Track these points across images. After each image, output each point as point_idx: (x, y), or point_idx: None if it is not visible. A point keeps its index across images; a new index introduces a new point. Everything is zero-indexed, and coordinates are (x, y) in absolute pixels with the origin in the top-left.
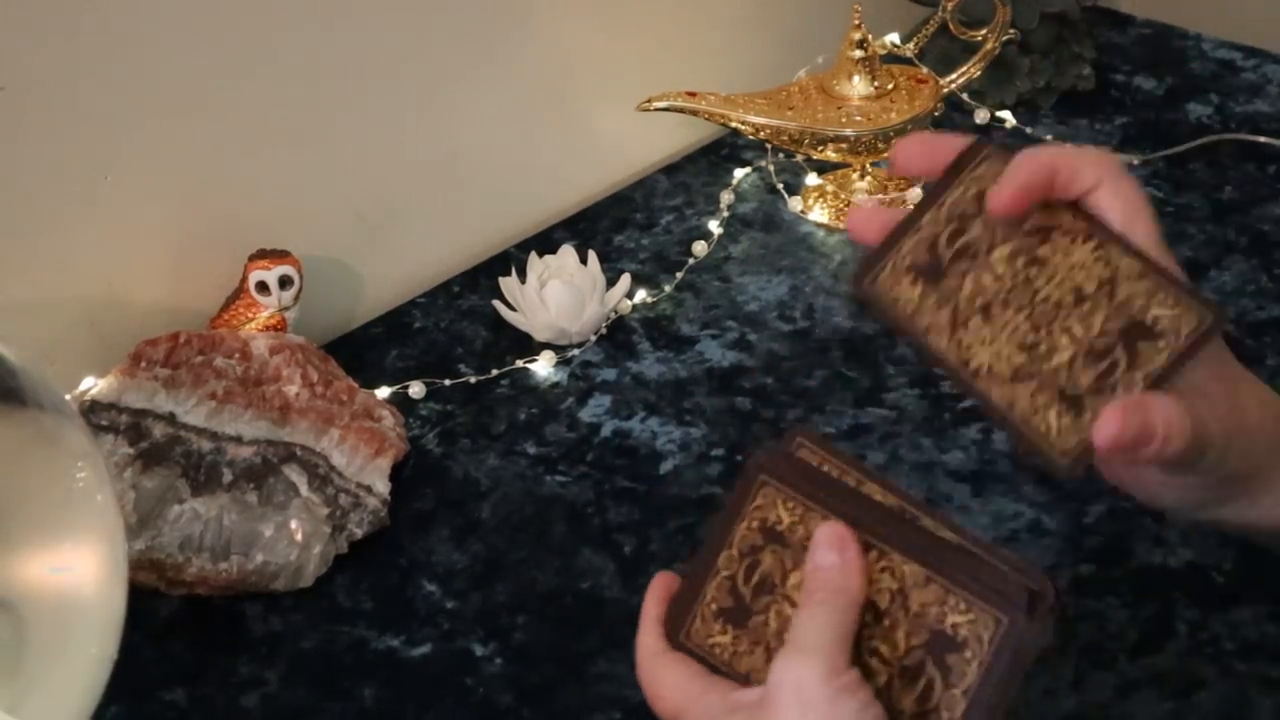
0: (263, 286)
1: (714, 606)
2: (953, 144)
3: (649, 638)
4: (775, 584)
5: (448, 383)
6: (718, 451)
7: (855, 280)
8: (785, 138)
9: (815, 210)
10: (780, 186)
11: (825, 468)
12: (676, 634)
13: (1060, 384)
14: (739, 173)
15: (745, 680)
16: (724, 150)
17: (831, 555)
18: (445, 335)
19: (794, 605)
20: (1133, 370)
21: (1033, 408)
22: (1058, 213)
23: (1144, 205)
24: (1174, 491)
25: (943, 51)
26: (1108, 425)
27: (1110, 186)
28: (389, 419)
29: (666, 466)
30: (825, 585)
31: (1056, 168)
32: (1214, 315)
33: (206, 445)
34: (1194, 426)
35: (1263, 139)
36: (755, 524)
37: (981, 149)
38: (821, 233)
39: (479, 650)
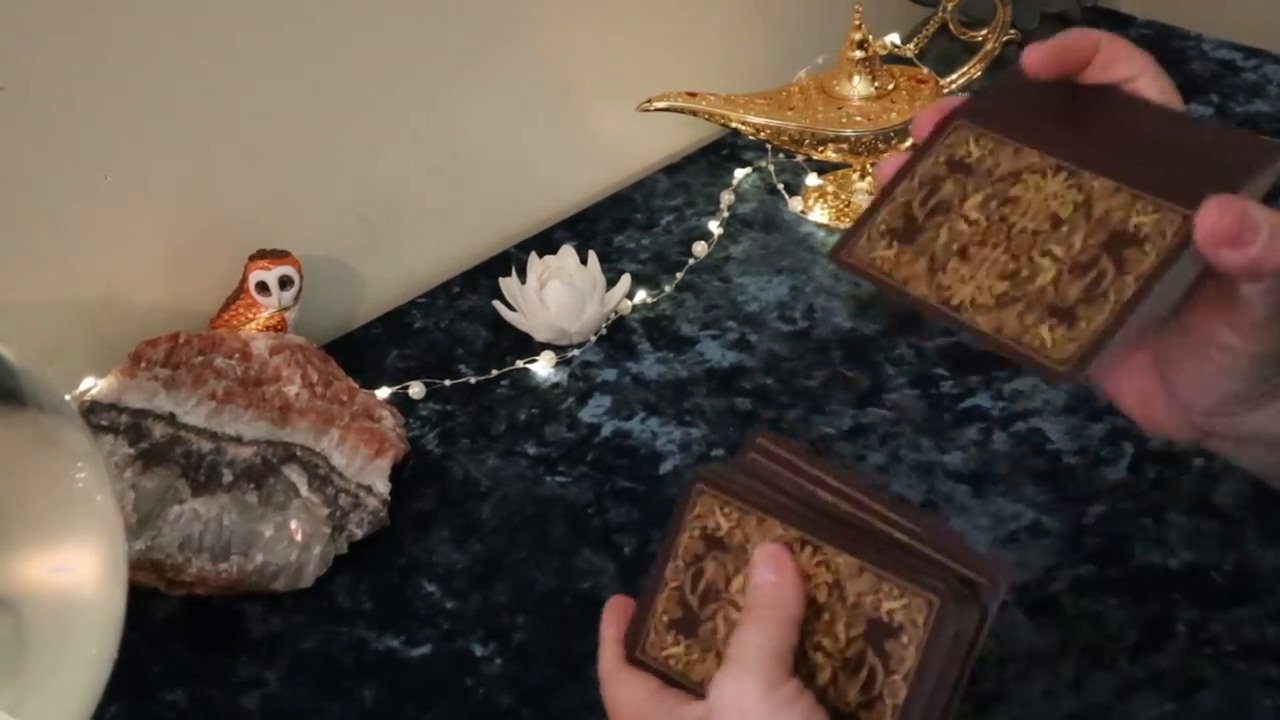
0: (263, 286)
1: (665, 618)
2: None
3: (606, 658)
4: (720, 590)
5: (448, 383)
6: (718, 452)
7: (833, 251)
8: (785, 138)
9: (815, 210)
10: (780, 187)
11: (785, 464)
12: (633, 649)
13: (1048, 300)
14: (739, 173)
15: (699, 688)
16: (724, 150)
17: (768, 574)
18: (445, 335)
19: (739, 609)
20: (1123, 275)
21: (1022, 326)
22: (1025, 154)
23: (1178, 101)
24: (1233, 368)
25: (943, 52)
26: (1205, 215)
27: (1150, 79)
28: (389, 419)
29: (666, 466)
30: (762, 601)
31: (1099, 46)
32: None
33: (206, 445)
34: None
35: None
36: (697, 533)
37: (953, 118)
38: (822, 233)
39: (479, 650)
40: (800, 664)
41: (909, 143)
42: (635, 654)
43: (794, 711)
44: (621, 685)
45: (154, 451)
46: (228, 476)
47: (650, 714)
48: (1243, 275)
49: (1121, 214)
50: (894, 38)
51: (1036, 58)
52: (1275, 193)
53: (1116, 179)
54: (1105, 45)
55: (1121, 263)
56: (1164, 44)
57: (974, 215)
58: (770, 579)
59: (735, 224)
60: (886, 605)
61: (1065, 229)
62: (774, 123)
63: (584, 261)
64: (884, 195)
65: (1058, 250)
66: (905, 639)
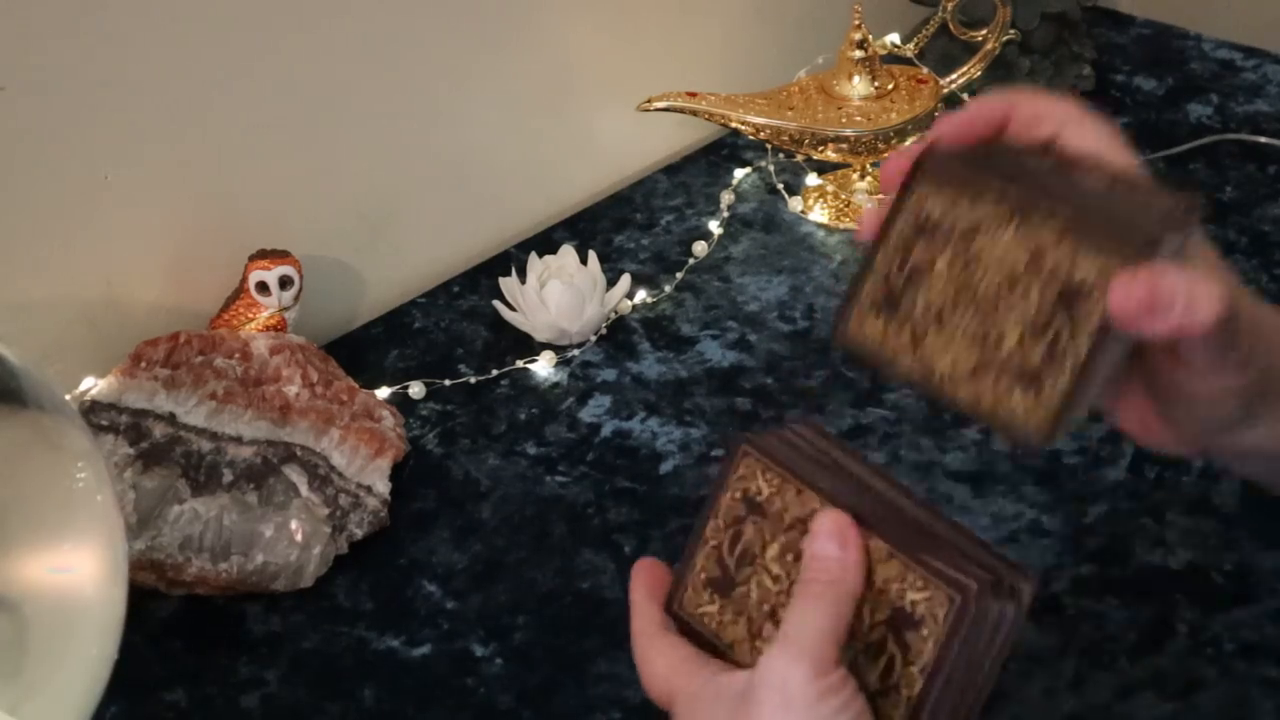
0: (263, 286)
1: (703, 576)
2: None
3: (640, 621)
4: (755, 555)
5: (448, 383)
6: (718, 452)
7: (833, 334)
8: (785, 138)
9: (815, 210)
10: (780, 186)
11: (822, 447)
12: (670, 603)
13: (1015, 365)
14: (739, 173)
15: (730, 651)
16: (724, 150)
17: (832, 546)
18: (445, 335)
19: (772, 578)
20: (1076, 336)
21: (997, 396)
22: (980, 206)
23: (1112, 137)
24: (1209, 397)
25: (943, 51)
26: (1116, 294)
27: (1075, 129)
28: (389, 419)
29: (666, 466)
30: (823, 576)
31: (1012, 108)
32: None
33: (206, 445)
34: (1221, 290)
35: (1263, 139)
36: (738, 494)
37: (915, 172)
38: (821, 233)
39: (479, 650)
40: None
41: (905, 146)
42: (672, 607)
43: (837, 699)
44: (656, 650)
45: (154, 451)
46: (228, 476)
47: (687, 681)
48: (1173, 337)
49: (1068, 266)
50: (894, 38)
51: (949, 126)
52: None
53: (1061, 228)
54: (1022, 108)
55: (1075, 322)
56: (1163, 44)
57: (942, 277)
58: (834, 553)
59: (735, 224)
60: (910, 595)
61: (1021, 287)
62: (774, 123)
63: (584, 261)
64: (866, 265)
65: (1018, 311)
66: (925, 632)
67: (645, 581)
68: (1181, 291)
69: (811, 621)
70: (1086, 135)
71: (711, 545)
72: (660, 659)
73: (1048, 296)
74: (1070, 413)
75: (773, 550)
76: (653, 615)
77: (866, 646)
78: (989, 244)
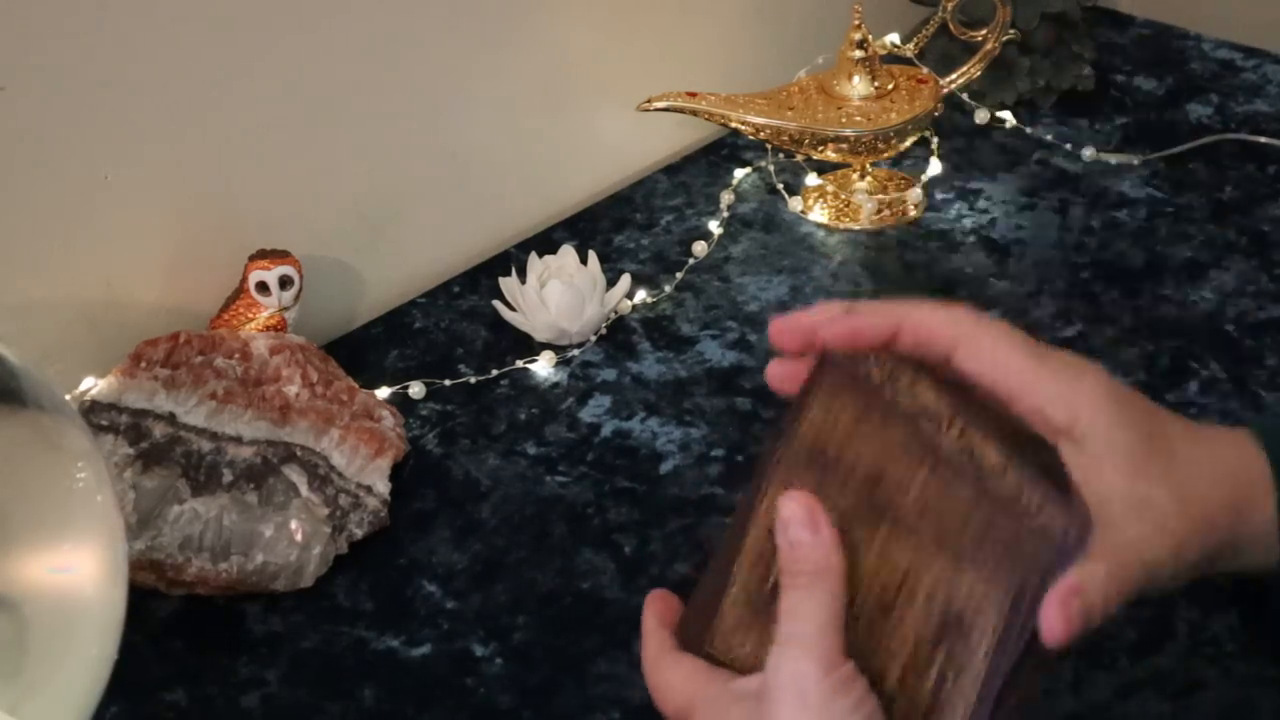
0: (263, 286)
1: (730, 621)
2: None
3: (652, 644)
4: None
5: (448, 383)
6: (718, 451)
7: (687, 643)
8: (785, 138)
9: (815, 210)
10: (780, 187)
11: (885, 380)
12: (701, 645)
13: (901, 704)
14: (739, 173)
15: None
16: (724, 150)
17: (805, 532)
18: (445, 335)
19: None
20: (960, 675)
21: None
22: (847, 490)
23: (1010, 349)
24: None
25: (943, 51)
26: (1052, 628)
27: (966, 348)
28: (389, 419)
29: (666, 466)
30: (805, 566)
31: (902, 321)
32: (1010, 598)
33: (206, 445)
34: (1132, 573)
35: (1263, 139)
36: (764, 531)
37: (760, 483)
38: (821, 233)
39: (479, 650)
40: (867, 659)
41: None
42: (704, 649)
43: (849, 698)
44: (669, 668)
45: (154, 451)
46: (228, 476)
47: (705, 687)
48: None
49: (944, 595)
50: (894, 38)
51: (833, 334)
52: None
53: (924, 551)
54: (911, 322)
55: (955, 659)
56: (1163, 44)
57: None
58: (808, 537)
59: (735, 224)
60: (957, 605)
61: (896, 613)
62: (774, 123)
63: (584, 261)
64: (722, 571)
65: (893, 643)
66: (975, 640)
67: (657, 610)
68: (1099, 605)
69: (809, 614)
70: (982, 354)
71: (739, 585)
72: (675, 672)
73: (924, 630)
74: None
75: None
76: (664, 639)
77: (915, 661)
78: (873, 553)
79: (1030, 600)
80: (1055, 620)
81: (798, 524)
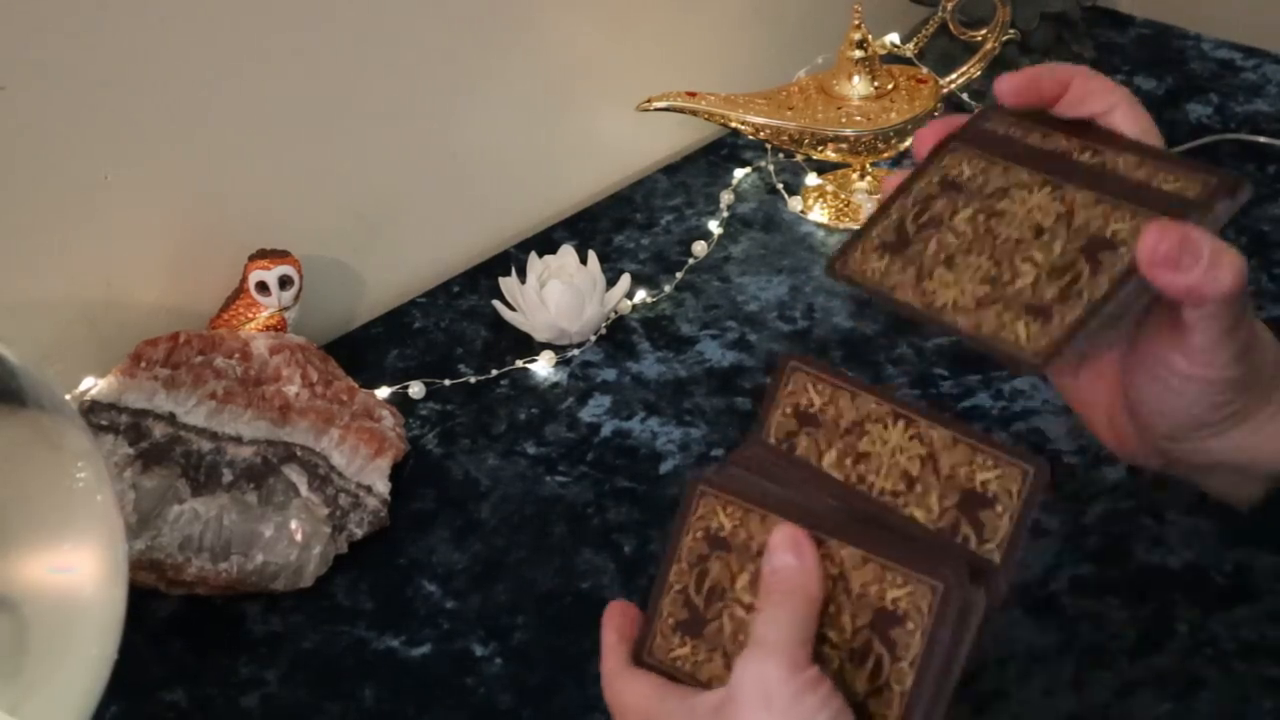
0: (263, 286)
1: (671, 621)
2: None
3: (610, 661)
4: (725, 589)
5: (448, 383)
6: (718, 452)
7: (829, 264)
8: (785, 138)
9: (815, 210)
10: (780, 186)
11: (818, 388)
12: (640, 653)
13: (1025, 300)
14: (739, 173)
15: (708, 687)
16: (724, 150)
17: (789, 557)
18: (445, 335)
19: (745, 607)
20: (1097, 275)
21: (1000, 324)
22: (1014, 172)
23: (1155, 132)
24: (1198, 386)
25: (943, 51)
26: (1147, 238)
27: (1126, 111)
28: (389, 419)
29: (666, 466)
30: (784, 585)
31: (1071, 80)
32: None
33: (206, 445)
34: (1243, 263)
35: (1263, 139)
36: (700, 534)
37: (948, 141)
38: (821, 233)
39: (479, 650)
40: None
41: (907, 148)
42: (643, 657)
43: (817, 695)
44: (626, 684)
45: (154, 451)
46: (228, 476)
47: (659, 708)
48: (1184, 300)
49: (1100, 222)
50: (893, 37)
51: (1008, 87)
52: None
53: (1098, 192)
54: (1078, 82)
55: (1097, 265)
56: (1163, 44)
57: (962, 228)
58: (791, 562)
59: (735, 224)
60: (891, 594)
61: (1047, 237)
62: (774, 122)
63: (584, 261)
64: (881, 211)
65: (1038, 256)
66: (911, 625)
67: (616, 624)
68: (1208, 249)
69: (778, 624)
70: (1133, 120)
71: (677, 590)
72: (630, 692)
73: (1072, 246)
74: (1073, 344)
75: (743, 580)
76: (622, 654)
77: (851, 654)
78: (1017, 203)
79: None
80: (1161, 233)
81: (782, 549)
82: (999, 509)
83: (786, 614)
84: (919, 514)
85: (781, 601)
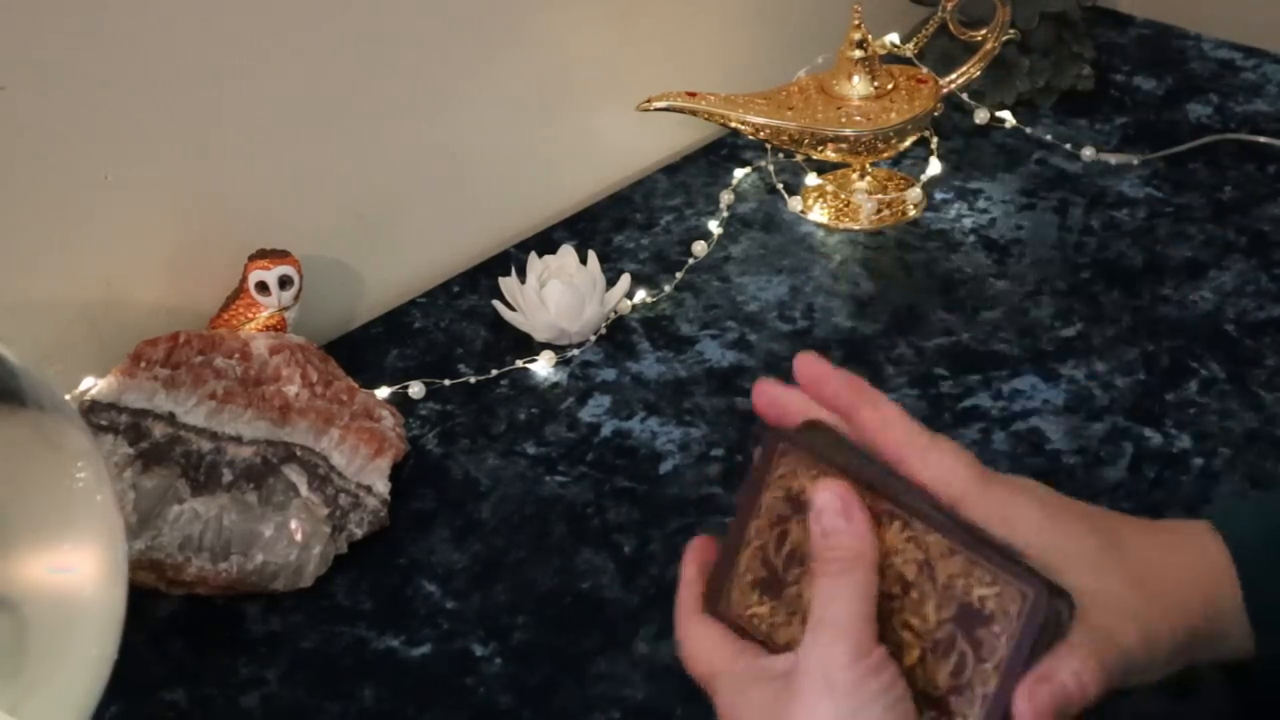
0: (263, 286)
1: (749, 577)
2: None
3: (687, 598)
4: (804, 554)
5: (448, 383)
6: (718, 451)
7: (706, 602)
8: (785, 138)
9: (815, 210)
10: (780, 186)
11: (810, 474)
12: (715, 603)
13: (920, 685)
14: (739, 173)
15: (785, 649)
16: (724, 150)
17: (839, 520)
18: (445, 335)
19: None
20: (981, 662)
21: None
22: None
23: (950, 475)
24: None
25: (943, 51)
26: (1017, 707)
27: (915, 460)
28: (389, 419)
29: (666, 466)
30: (839, 553)
31: (862, 407)
32: (1034, 591)
33: (206, 445)
34: (1105, 658)
35: (1263, 139)
36: (780, 493)
37: (776, 443)
38: (821, 233)
39: (479, 650)
40: (887, 640)
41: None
42: (719, 607)
43: (879, 681)
44: (702, 631)
45: (154, 451)
46: (228, 476)
47: (731, 662)
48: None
49: (964, 582)
50: (893, 37)
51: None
52: None
53: (947, 536)
54: (865, 419)
55: (978, 646)
56: (1163, 44)
57: None
58: (842, 525)
59: (735, 224)
60: (978, 591)
61: (915, 594)
62: (774, 122)
63: (584, 261)
64: (737, 532)
65: (915, 622)
66: (998, 628)
67: (699, 558)
68: (1077, 693)
69: (841, 603)
70: (928, 469)
71: (756, 545)
72: (705, 639)
73: (945, 614)
74: None
75: None
76: (696, 596)
77: (935, 644)
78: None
79: (1044, 607)
80: (1025, 712)
81: (832, 512)
82: (996, 629)
83: (847, 588)
84: (915, 621)
85: (840, 573)
